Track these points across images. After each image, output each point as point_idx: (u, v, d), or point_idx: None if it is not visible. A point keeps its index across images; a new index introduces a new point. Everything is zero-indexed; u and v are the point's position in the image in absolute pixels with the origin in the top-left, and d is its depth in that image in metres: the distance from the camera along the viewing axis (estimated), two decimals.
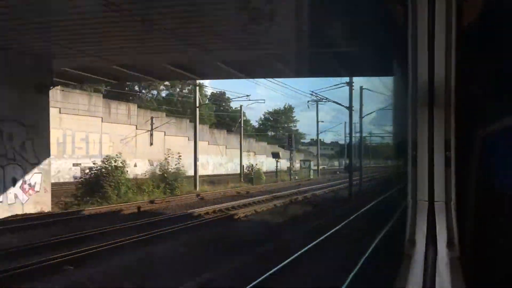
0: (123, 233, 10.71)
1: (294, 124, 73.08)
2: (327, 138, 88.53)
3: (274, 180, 35.27)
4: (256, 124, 69.16)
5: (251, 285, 6.35)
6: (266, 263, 7.56)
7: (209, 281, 6.85)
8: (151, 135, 39.40)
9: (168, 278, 7.09)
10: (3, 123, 14.34)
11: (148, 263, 8.08)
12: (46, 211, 15.74)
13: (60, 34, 12.52)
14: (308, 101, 35.27)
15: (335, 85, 21.69)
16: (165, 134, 40.79)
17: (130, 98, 44.26)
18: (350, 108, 21.26)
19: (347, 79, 22.14)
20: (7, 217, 13.93)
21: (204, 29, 12.11)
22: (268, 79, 21.95)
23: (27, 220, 13.35)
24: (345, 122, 46.18)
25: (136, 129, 37.52)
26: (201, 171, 29.75)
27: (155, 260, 8.29)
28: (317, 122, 44.34)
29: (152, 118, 39.28)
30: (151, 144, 39.42)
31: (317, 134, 46.35)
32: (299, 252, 8.52)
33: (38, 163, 15.81)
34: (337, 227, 11.68)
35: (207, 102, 50.11)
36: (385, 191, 20.36)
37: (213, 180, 32.07)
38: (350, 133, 23.32)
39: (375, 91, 36.30)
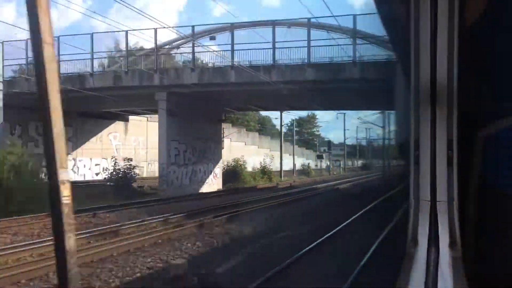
0: (295, 194, 23.49)
1: (317, 129, 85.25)
2: (335, 139, 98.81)
3: (319, 175, 48.17)
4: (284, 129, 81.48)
5: (353, 217, 18.89)
6: (374, 199, 20.28)
7: (359, 205, 19.43)
8: (223, 141, 52.43)
9: (346, 205, 19.55)
10: (207, 141, 27.24)
11: (328, 202, 20.58)
12: (222, 188, 28.62)
13: (236, 96, 25.21)
14: (337, 113, 48.28)
15: (374, 113, 34.51)
16: (230, 140, 53.80)
17: None
18: (383, 127, 34.16)
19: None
20: (215, 190, 26.83)
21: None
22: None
23: (230, 191, 26.21)
24: (357, 127, 58.33)
25: None
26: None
27: (327, 201, 20.83)
28: (344, 130, 57.08)
29: (223, 128, 52.39)
30: (222, 148, 52.46)
31: (344, 141, 58.99)
32: (384, 196, 21.37)
33: (217, 161, 28.74)
34: (390, 192, 24.56)
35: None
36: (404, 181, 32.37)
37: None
38: (383, 144, 36.04)
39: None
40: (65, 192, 2.95)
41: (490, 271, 2.07)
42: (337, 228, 11.06)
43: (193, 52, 21.59)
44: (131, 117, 36.76)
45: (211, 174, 27.88)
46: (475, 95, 2.01)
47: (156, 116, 35.73)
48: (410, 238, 1.79)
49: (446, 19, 1.76)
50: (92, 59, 22.53)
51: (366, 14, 19.74)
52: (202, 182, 26.70)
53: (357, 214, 14.22)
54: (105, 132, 35.14)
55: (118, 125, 36.43)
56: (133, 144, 37.22)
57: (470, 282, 1.64)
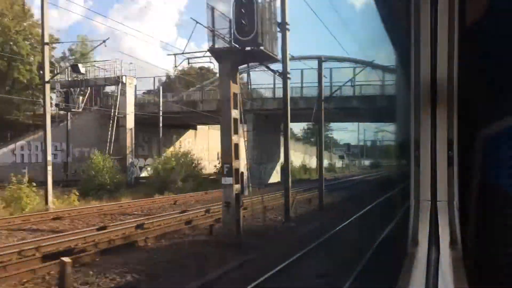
0: (347, 182, 33.86)
1: (330, 132, 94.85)
2: (340, 140, 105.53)
3: (341, 171, 58.71)
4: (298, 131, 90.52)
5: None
6: (397, 185, 30.64)
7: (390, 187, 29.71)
8: None
9: (383, 187, 29.81)
10: (272, 146, 37.69)
11: (373, 184, 30.85)
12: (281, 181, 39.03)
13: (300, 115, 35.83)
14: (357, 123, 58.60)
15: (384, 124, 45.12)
16: None
17: None
18: (395, 133, 44.72)
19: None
20: (276, 181, 37.28)
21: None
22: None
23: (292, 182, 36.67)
24: (365, 130, 68.27)
25: None
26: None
27: (371, 184, 31.11)
28: (358, 135, 67.54)
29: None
30: None
31: (358, 143, 69.45)
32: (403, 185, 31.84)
33: (277, 161, 39.24)
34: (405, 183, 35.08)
35: None
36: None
37: None
38: (395, 147, 46.43)
39: None
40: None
41: (491, 271, 2.09)
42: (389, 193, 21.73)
43: (274, 88, 32.16)
44: (198, 126, 47.14)
45: (274, 170, 38.39)
46: (475, 95, 2.01)
47: (214, 125, 46.21)
48: (410, 238, 1.80)
49: (446, 18, 1.76)
50: (202, 91, 33.02)
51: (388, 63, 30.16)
52: (269, 176, 37.23)
53: (393, 191, 24.85)
54: (182, 138, 45.55)
55: (190, 133, 46.86)
56: (200, 147, 47.69)
57: (471, 282, 1.63)
